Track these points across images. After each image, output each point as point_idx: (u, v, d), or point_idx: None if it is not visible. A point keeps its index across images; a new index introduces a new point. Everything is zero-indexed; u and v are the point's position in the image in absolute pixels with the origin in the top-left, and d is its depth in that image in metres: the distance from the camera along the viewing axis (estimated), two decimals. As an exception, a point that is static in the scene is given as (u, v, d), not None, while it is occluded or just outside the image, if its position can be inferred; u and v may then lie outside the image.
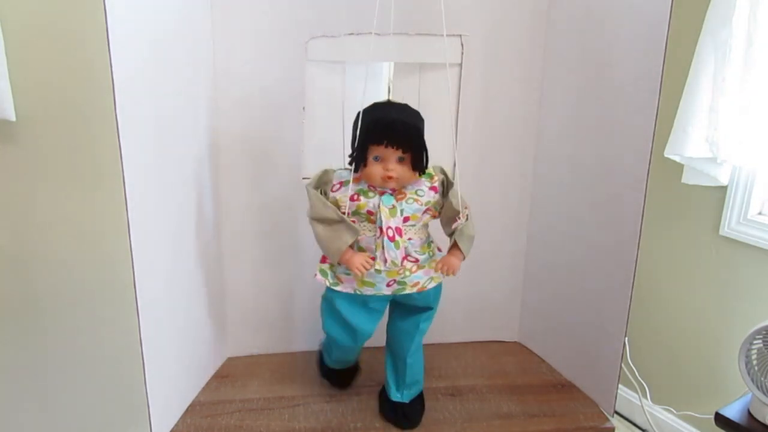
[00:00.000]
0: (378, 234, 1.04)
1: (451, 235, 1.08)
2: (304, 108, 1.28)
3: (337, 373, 1.28)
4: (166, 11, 1.04)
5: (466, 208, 1.06)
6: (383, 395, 1.23)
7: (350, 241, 1.03)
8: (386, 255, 1.03)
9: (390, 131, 0.98)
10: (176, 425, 1.18)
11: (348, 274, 1.07)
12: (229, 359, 1.40)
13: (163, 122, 1.06)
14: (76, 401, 1.60)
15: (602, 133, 1.21)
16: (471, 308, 1.49)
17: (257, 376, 1.34)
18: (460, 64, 1.31)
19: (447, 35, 1.29)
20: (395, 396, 1.20)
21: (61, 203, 1.45)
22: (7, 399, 1.56)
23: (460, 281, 1.45)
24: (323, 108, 1.30)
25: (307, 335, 1.42)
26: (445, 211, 1.07)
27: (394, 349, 1.19)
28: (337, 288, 1.10)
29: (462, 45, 1.30)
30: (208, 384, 1.31)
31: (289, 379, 1.33)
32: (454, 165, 1.38)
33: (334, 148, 1.34)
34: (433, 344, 1.48)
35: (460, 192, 1.06)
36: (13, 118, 1.34)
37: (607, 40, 1.18)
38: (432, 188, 1.07)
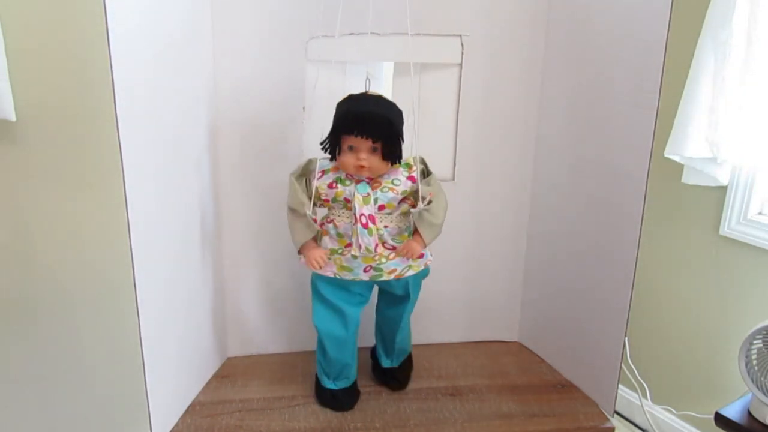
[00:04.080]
0: (354, 221, 1.08)
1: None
2: (304, 108, 1.29)
3: (338, 394, 1.24)
4: (166, 11, 1.04)
5: (429, 194, 1.10)
6: (374, 360, 1.32)
7: (308, 237, 1.10)
8: (360, 241, 1.08)
9: (361, 122, 1.03)
10: (176, 425, 1.18)
11: (328, 259, 1.12)
12: (229, 359, 1.40)
13: (163, 122, 1.06)
14: (76, 401, 1.60)
15: (602, 133, 1.21)
16: (471, 308, 1.49)
17: (257, 376, 1.34)
18: (460, 64, 1.31)
19: (447, 35, 1.30)
20: (386, 363, 1.30)
21: (61, 203, 1.45)
22: (7, 399, 1.56)
23: (461, 281, 1.46)
24: (323, 108, 1.30)
25: (307, 335, 1.42)
26: (416, 197, 1.11)
27: (382, 329, 1.27)
28: (318, 271, 1.13)
29: (462, 45, 1.30)
30: (208, 384, 1.31)
31: (289, 379, 1.33)
32: (454, 165, 1.38)
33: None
34: (433, 344, 1.48)
35: (437, 182, 1.13)
36: (13, 118, 1.34)
37: (606, 40, 1.18)
38: (410, 178, 1.10)
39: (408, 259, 1.12)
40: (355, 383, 1.26)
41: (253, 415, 1.22)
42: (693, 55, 1.37)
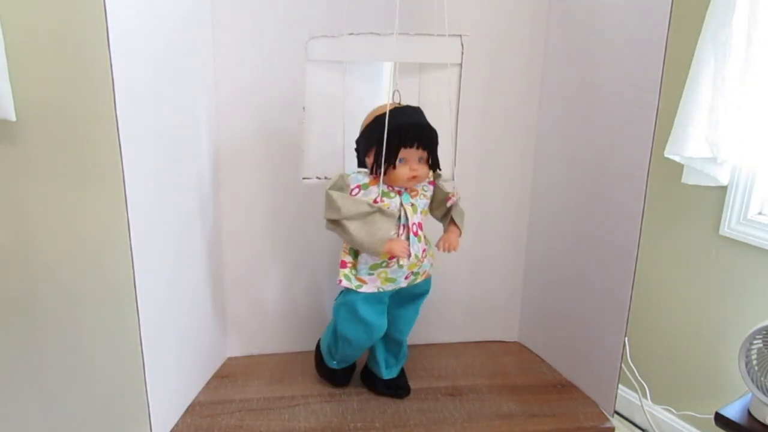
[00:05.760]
0: (401, 231, 1.10)
1: (444, 216, 1.18)
2: (304, 108, 1.29)
3: (338, 373, 1.29)
4: (166, 11, 1.04)
5: (454, 188, 1.16)
6: (371, 376, 1.29)
7: (392, 228, 1.09)
8: (411, 250, 1.09)
9: (419, 134, 1.06)
10: (176, 425, 1.18)
11: (371, 274, 1.12)
12: (229, 359, 1.40)
13: (164, 122, 1.06)
14: (76, 401, 1.60)
15: (602, 133, 1.21)
16: (471, 308, 1.49)
17: (257, 376, 1.34)
18: (460, 64, 1.31)
19: (447, 35, 1.30)
20: (388, 374, 1.28)
21: (61, 203, 1.45)
22: (7, 399, 1.56)
23: (461, 281, 1.46)
24: (323, 108, 1.30)
25: (307, 335, 1.42)
26: (436, 196, 1.16)
27: (391, 335, 1.24)
28: (362, 290, 1.13)
29: (462, 45, 1.30)
30: (208, 384, 1.31)
31: (289, 379, 1.33)
32: (455, 165, 1.38)
33: (335, 148, 1.34)
34: (433, 344, 1.48)
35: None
36: (13, 118, 1.34)
37: (607, 40, 1.18)
38: (431, 183, 1.16)
39: (435, 252, 1.16)
40: (354, 362, 1.29)
41: (253, 415, 1.22)
42: (693, 55, 1.37)
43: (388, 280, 1.12)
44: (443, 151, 1.35)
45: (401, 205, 1.09)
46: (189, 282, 1.21)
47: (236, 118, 1.26)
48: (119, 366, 1.58)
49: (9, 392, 1.56)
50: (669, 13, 1.03)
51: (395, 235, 1.09)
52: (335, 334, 1.21)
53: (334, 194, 1.07)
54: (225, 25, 1.21)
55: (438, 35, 1.28)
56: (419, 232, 1.11)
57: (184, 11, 1.11)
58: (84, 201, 1.46)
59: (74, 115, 1.39)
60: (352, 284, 1.13)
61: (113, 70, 0.90)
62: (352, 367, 1.31)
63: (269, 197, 1.32)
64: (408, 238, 1.09)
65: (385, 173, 1.07)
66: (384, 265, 1.10)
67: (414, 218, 1.10)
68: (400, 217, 1.10)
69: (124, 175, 0.95)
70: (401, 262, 1.09)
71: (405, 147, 1.05)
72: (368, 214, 1.07)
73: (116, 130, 0.92)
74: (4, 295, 1.49)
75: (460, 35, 1.29)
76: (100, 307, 1.53)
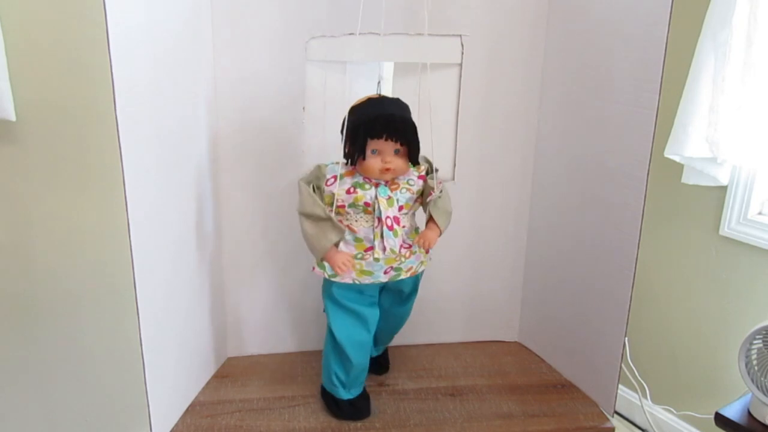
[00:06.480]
0: (376, 224, 1.08)
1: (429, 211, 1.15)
2: (304, 108, 1.29)
3: (356, 403, 1.21)
4: (166, 12, 1.04)
5: (440, 183, 1.13)
6: None
7: (335, 240, 1.07)
8: (385, 244, 1.08)
9: (391, 125, 1.03)
10: (176, 425, 1.18)
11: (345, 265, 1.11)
12: (229, 359, 1.40)
13: (164, 122, 1.06)
14: (77, 401, 1.60)
15: (602, 133, 1.21)
16: (471, 308, 1.49)
17: (257, 376, 1.34)
18: (460, 64, 1.31)
19: (447, 35, 1.30)
20: (373, 353, 1.31)
21: (61, 203, 1.45)
22: (7, 399, 1.56)
23: (461, 281, 1.46)
24: (323, 108, 1.30)
25: (306, 335, 1.42)
26: (425, 191, 1.14)
27: (380, 325, 1.22)
28: (336, 279, 1.12)
29: (462, 45, 1.30)
30: (208, 384, 1.31)
31: (289, 379, 1.33)
32: (454, 165, 1.38)
33: (335, 148, 1.34)
34: (433, 344, 1.48)
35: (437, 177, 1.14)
36: (13, 118, 1.34)
37: (607, 40, 1.18)
38: (420, 177, 1.13)
39: (424, 250, 1.14)
40: (365, 387, 1.23)
41: (253, 415, 1.22)
42: (693, 55, 1.37)
43: (363, 272, 1.10)
44: (443, 151, 1.36)
45: (375, 197, 1.07)
46: (189, 282, 1.21)
47: (236, 119, 1.26)
48: (119, 366, 1.58)
49: (9, 392, 1.56)
50: (669, 13, 1.03)
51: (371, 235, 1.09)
52: (334, 345, 1.16)
53: (302, 186, 1.08)
54: (225, 26, 1.21)
55: (438, 35, 1.28)
56: (395, 227, 1.08)
57: (184, 12, 1.11)
58: (84, 201, 1.46)
59: (74, 115, 1.39)
60: (326, 272, 1.12)
61: (113, 70, 0.90)
62: (366, 394, 1.23)
63: (269, 197, 1.32)
64: (381, 233, 1.08)
65: (355, 164, 1.07)
66: (359, 257, 1.09)
67: (389, 212, 1.08)
68: (374, 209, 1.08)
69: (124, 175, 0.95)
70: (376, 256, 1.08)
71: (372, 138, 1.03)
72: (320, 219, 1.06)
73: (116, 130, 0.92)
74: (5, 294, 1.49)
75: (460, 35, 1.29)
76: (100, 307, 1.53)
